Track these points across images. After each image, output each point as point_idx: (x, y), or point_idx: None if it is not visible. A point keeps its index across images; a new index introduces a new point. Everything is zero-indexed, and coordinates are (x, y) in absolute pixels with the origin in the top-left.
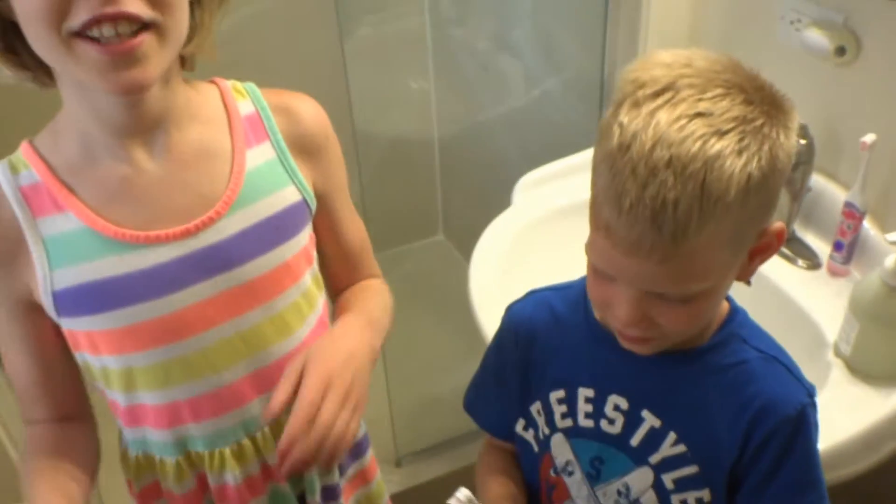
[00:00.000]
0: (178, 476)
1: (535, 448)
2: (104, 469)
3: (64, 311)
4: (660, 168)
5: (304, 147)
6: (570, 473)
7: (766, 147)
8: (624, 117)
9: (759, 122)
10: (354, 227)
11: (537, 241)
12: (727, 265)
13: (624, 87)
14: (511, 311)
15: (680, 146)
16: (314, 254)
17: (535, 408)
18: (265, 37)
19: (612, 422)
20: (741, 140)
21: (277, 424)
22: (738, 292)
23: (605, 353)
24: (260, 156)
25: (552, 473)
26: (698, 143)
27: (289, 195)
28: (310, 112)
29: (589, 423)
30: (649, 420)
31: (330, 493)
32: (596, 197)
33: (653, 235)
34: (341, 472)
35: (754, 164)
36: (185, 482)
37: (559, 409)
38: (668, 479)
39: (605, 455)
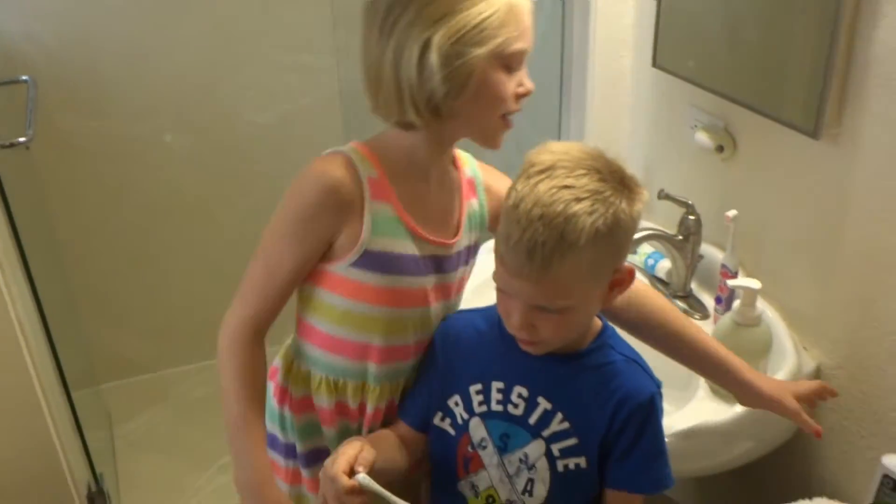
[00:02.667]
0: (355, 394)
1: (453, 432)
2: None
3: (362, 264)
4: (534, 220)
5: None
6: (484, 448)
7: (611, 211)
8: (518, 185)
9: (607, 194)
10: None
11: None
12: (588, 291)
13: (523, 166)
14: (442, 324)
15: (549, 207)
16: None
17: (453, 400)
18: (294, 128)
19: (516, 406)
20: (592, 205)
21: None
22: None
23: (512, 355)
24: (473, 205)
25: (469, 449)
26: (562, 206)
27: (477, 235)
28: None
29: (499, 408)
30: (543, 404)
31: None
32: (497, 238)
33: (529, 264)
34: None
35: (601, 221)
36: (348, 400)
37: (477, 399)
38: (555, 449)
39: (510, 432)
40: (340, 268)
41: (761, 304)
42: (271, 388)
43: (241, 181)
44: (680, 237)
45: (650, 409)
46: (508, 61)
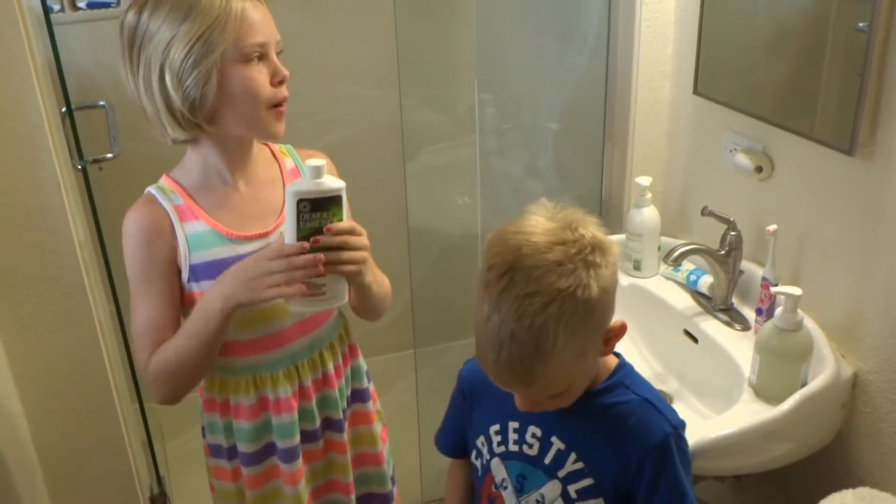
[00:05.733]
0: (246, 390)
1: (480, 472)
2: None
3: (194, 277)
4: (506, 340)
5: None
6: (505, 488)
7: (579, 305)
8: (483, 293)
9: (572, 289)
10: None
11: None
12: (579, 366)
13: (481, 267)
14: (463, 368)
15: (518, 322)
16: None
17: (480, 440)
18: (348, 155)
19: (531, 446)
20: (560, 307)
21: (311, 359)
22: (691, 348)
23: None
24: None
25: (493, 489)
26: (529, 319)
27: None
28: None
29: (515, 448)
30: (556, 444)
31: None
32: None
33: (513, 381)
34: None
35: (574, 320)
36: (250, 396)
37: (496, 439)
38: (571, 490)
39: (526, 472)
40: (185, 285)
41: (800, 314)
42: (202, 403)
43: None
44: (722, 252)
45: (664, 450)
46: (247, 56)
